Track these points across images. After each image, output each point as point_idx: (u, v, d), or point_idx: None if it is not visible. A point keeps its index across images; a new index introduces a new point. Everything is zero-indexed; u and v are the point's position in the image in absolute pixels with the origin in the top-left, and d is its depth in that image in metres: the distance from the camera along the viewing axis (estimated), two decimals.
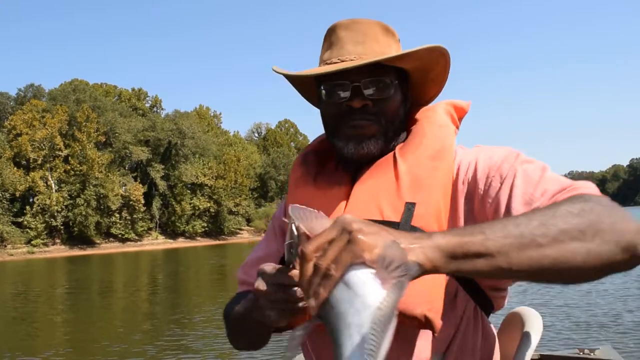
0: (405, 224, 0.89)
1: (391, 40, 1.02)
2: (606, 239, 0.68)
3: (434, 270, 0.64)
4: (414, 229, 0.88)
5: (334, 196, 0.98)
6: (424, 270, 0.63)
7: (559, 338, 5.94)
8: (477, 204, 0.91)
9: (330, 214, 0.95)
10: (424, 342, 0.91)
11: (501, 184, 0.87)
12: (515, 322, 1.07)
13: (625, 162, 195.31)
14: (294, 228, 0.69)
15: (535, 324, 1.02)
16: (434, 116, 1.02)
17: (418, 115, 1.04)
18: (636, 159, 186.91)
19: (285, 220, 0.73)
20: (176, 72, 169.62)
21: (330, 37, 1.03)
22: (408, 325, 0.85)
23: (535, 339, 0.99)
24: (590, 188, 0.79)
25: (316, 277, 0.60)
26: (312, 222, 0.67)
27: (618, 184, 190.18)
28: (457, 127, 1.05)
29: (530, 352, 0.99)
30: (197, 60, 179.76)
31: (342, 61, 0.97)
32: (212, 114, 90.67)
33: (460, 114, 1.07)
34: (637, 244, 0.69)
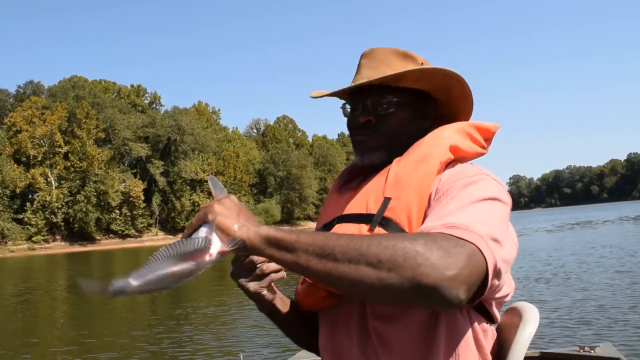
0: (378, 215, 1.01)
1: (409, 64, 1.11)
2: (402, 274, 0.75)
3: (253, 248, 0.83)
4: (385, 220, 1.00)
5: (343, 199, 1.12)
6: (245, 246, 0.83)
7: (559, 335, 5.89)
8: (427, 210, 0.99)
9: (335, 214, 1.11)
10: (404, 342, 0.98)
11: (438, 200, 0.97)
12: (513, 316, 1.11)
13: (622, 157, 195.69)
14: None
15: (531, 318, 1.06)
16: (439, 131, 1.10)
17: (430, 132, 1.12)
18: (633, 153, 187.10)
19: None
20: (175, 69, 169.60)
21: (358, 64, 1.18)
22: (356, 299, 1.03)
23: (531, 333, 1.03)
24: (461, 232, 0.83)
25: (193, 220, 0.86)
26: (218, 190, 0.91)
27: (616, 179, 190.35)
28: (483, 147, 1.12)
29: (526, 346, 1.02)
30: (195, 56, 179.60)
31: (356, 83, 1.12)
32: (210, 110, 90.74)
33: (485, 134, 1.13)
34: (429, 290, 0.74)
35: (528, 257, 14.40)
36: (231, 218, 0.83)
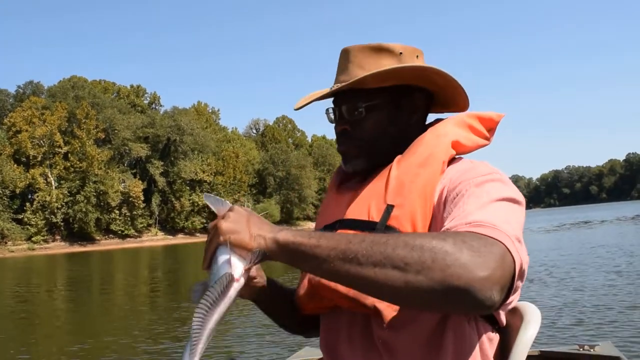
0: (381, 224, 0.97)
1: (384, 59, 1.06)
2: (431, 276, 0.71)
3: (273, 255, 0.81)
4: (389, 229, 0.96)
5: (343, 200, 1.09)
6: (265, 254, 0.81)
7: (559, 334, 5.87)
8: (444, 213, 0.95)
9: (336, 216, 1.08)
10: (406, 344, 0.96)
11: (453, 201, 0.92)
12: (514, 316, 1.10)
13: (621, 157, 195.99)
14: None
15: (533, 319, 1.05)
16: (439, 127, 1.07)
17: (430, 127, 1.09)
18: (632, 153, 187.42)
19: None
20: (174, 69, 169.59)
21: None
22: (361, 312, 0.97)
23: (533, 334, 1.02)
24: (489, 230, 0.79)
25: (206, 245, 0.85)
26: (218, 206, 0.89)
27: (614, 179, 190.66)
28: (487, 139, 1.10)
29: (528, 346, 1.02)
30: (194, 56, 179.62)
31: (332, 88, 1.10)
32: (210, 110, 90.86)
33: (488, 124, 1.10)
34: (461, 292, 0.70)
35: (528, 257, 14.29)
36: (243, 232, 0.82)
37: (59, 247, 63.14)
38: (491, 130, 1.11)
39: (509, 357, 1.01)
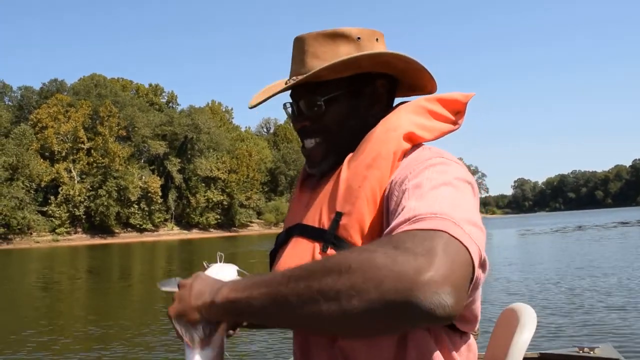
0: (330, 234, 0.89)
1: (341, 47, 0.97)
2: (366, 298, 0.62)
3: (220, 320, 0.80)
4: (337, 239, 0.88)
5: (302, 202, 1.03)
6: (214, 325, 0.80)
7: (559, 336, 5.80)
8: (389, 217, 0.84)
9: (295, 219, 1.00)
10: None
11: (395, 200, 0.83)
12: (510, 318, 1.08)
13: (628, 163, 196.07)
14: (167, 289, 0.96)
15: (529, 320, 1.02)
16: (391, 118, 0.96)
17: (383, 118, 0.97)
18: (639, 159, 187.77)
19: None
20: (187, 68, 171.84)
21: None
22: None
23: (529, 335, 1.00)
24: (427, 222, 0.69)
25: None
26: (171, 287, 0.92)
27: (620, 184, 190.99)
28: (454, 123, 0.99)
29: (524, 349, 0.99)
30: (208, 56, 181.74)
31: (286, 82, 1.00)
32: (223, 109, 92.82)
33: (454, 107, 0.99)
34: (404, 306, 0.60)
35: (528, 259, 14.82)
36: (189, 310, 0.79)
37: (80, 239, 65.45)
38: (459, 113, 1.00)
39: (505, 359, 0.99)
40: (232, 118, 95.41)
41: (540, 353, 2.24)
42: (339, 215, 0.90)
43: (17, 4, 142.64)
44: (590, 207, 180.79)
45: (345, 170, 0.93)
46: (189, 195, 75.31)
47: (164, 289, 0.95)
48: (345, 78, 0.97)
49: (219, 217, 76.99)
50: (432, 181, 0.80)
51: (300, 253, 0.93)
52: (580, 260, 13.93)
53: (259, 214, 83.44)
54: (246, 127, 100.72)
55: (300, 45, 1.01)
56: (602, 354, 2.26)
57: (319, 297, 0.65)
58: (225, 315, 0.78)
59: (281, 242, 1.03)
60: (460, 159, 0.94)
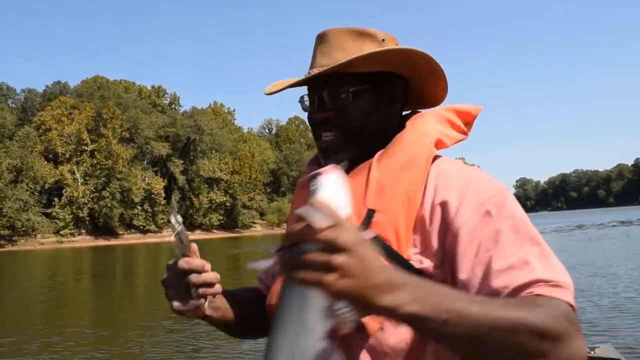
0: (361, 229, 0.82)
1: (367, 44, 0.99)
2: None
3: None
4: None
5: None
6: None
7: None
8: (443, 240, 0.87)
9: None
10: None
11: (469, 233, 0.84)
12: None
13: (630, 162, 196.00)
14: (174, 220, 0.87)
15: None
16: (419, 124, 0.99)
17: (408, 122, 1.00)
18: None
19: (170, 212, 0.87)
20: (190, 70, 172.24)
21: (313, 48, 1.04)
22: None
23: None
24: (559, 291, 0.75)
25: (289, 264, 0.63)
26: (319, 206, 0.63)
27: (622, 183, 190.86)
28: (464, 133, 1.02)
29: None
30: (209, 57, 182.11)
31: (310, 74, 0.99)
32: (225, 111, 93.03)
33: (466, 118, 1.03)
34: None
35: None
36: (366, 292, 0.64)
37: (84, 240, 65.70)
38: (469, 124, 1.04)
39: None
40: (234, 119, 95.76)
41: None
42: (371, 212, 0.90)
43: (18, 8, 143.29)
44: (593, 206, 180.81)
45: (375, 168, 0.94)
46: (191, 196, 75.55)
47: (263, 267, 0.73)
48: (369, 74, 0.98)
49: (221, 218, 77.23)
50: (519, 227, 0.83)
51: None
52: (581, 260, 14.01)
53: (262, 214, 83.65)
54: (248, 128, 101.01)
55: (326, 39, 1.01)
56: (603, 353, 2.26)
57: (512, 348, 0.68)
58: (396, 322, 0.68)
59: None
60: (462, 158, 1.02)
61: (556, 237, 26.32)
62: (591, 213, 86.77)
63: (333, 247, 0.62)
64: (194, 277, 0.93)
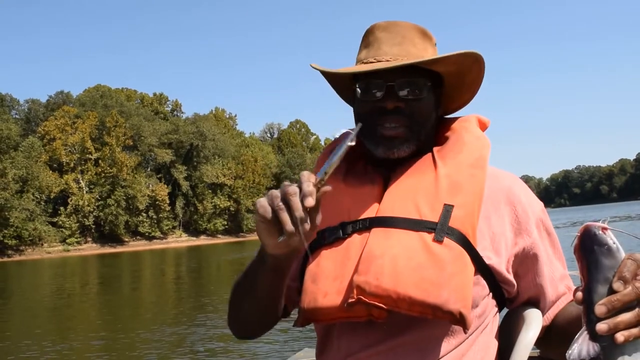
0: (443, 224, 0.91)
1: (428, 44, 1.02)
2: None
3: None
4: (451, 230, 0.91)
5: (367, 194, 0.99)
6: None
7: None
8: (510, 242, 0.99)
9: (362, 213, 0.97)
10: (447, 342, 0.94)
11: (531, 250, 1.01)
12: (515, 318, 1.08)
13: (632, 156, 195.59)
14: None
15: (535, 321, 1.03)
16: (470, 127, 1.05)
17: (455, 125, 1.05)
18: None
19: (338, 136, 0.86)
20: (189, 75, 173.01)
21: (368, 38, 1.04)
22: (442, 320, 0.88)
23: (534, 336, 1.01)
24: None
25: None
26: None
27: (625, 178, 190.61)
28: None
29: (529, 348, 1.01)
30: (210, 63, 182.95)
31: (378, 61, 0.98)
32: (227, 116, 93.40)
33: (484, 126, 1.10)
34: None
35: None
36: None
37: (91, 248, 66.11)
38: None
39: (510, 359, 1.01)
40: (236, 124, 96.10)
41: (540, 352, 2.53)
42: (449, 207, 0.93)
43: (20, 18, 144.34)
44: (596, 201, 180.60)
45: (443, 166, 0.98)
46: (196, 202, 75.94)
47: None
48: (428, 73, 1.01)
49: (226, 223, 77.59)
50: (557, 241, 1.08)
51: (405, 243, 0.91)
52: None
53: None
54: (250, 132, 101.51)
55: (394, 30, 1.02)
56: None
57: None
58: None
59: (336, 236, 0.97)
60: None
61: (559, 234, 26.43)
62: (594, 209, 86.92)
63: None
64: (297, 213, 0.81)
